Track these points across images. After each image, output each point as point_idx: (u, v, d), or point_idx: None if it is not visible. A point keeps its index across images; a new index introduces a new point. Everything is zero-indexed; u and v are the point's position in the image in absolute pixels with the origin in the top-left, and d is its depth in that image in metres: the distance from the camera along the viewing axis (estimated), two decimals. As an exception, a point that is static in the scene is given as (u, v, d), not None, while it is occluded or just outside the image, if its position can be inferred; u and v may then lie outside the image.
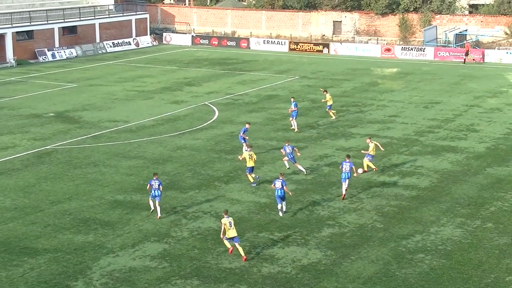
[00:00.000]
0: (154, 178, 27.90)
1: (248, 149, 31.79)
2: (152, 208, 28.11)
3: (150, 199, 28.08)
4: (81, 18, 74.49)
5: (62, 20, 72.31)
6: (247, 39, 79.64)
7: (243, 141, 35.27)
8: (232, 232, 24.14)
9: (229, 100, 50.54)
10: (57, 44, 71.63)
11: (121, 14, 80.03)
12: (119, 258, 24.31)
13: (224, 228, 24.24)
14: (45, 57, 69.53)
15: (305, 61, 69.02)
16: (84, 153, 36.62)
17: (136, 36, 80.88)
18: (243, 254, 24.14)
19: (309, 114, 45.90)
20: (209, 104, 49.13)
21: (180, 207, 29.10)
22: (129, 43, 79.24)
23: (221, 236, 24.60)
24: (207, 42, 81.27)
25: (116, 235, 26.21)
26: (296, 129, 41.11)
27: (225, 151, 37.25)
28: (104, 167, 34.50)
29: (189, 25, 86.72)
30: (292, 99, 41.99)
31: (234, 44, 79.88)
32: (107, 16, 78.32)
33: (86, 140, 39.52)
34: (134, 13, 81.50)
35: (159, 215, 27.71)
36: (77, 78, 59.87)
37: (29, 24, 68.77)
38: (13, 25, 66.99)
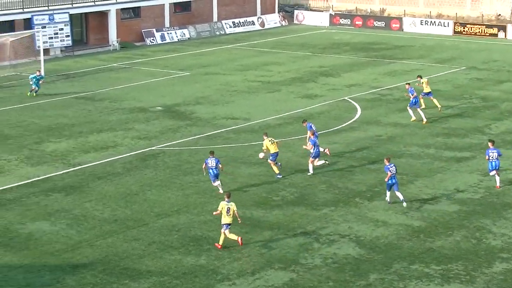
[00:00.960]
0: (210, 156, 31.86)
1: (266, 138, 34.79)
2: (221, 191, 31.79)
3: (212, 182, 32.06)
4: (197, -8, 76.20)
5: (175, -5, 74.25)
6: (400, 19, 78.84)
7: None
8: (227, 219, 27.06)
9: (375, 95, 50.21)
10: (167, 24, 73.58)
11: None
12: (236, 287, 24.61)
13: (221, 212, 27.06)
14: (153, 39, 71.58)
15: (474, 47, 67.55)
16: (196, 157, 37.35)
17: (261, 14, 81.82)
18: (221, 242, 27.03)
19: (478, 115, 44.91)
20: (349, 100, 48.99)
21: (312, 227, 29.13)
22: (253, 23, 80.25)
23: (214, 213, 27.90)
24: (348, 22, 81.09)
25: (232, 258, 26.55)
26: (424, 120, 42.87)
27: (368, 160, 37.00)
28: (220, 174, 34.94)
29: (327, 1, 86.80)
30: (407, 86, 43.72)
31: (383, 25, 79.28)
32: (227, -11, 79.70)
33: (199, 140, 40.31)
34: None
35: (220, 190, 31.75)
36: (189, 65, 61.26)
37: (136, -1, 71.11)
38: (118, 0, 69.34)
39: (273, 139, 34.85)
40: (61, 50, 65.25)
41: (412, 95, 43.20)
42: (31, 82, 49.36)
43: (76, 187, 33.36)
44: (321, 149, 35.63)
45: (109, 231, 28.77)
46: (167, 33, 72.97)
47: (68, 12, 64.50)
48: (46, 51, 62.00)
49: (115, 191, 32.92)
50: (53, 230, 28.75)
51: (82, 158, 37.38)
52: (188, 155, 37.55)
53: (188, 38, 73.95)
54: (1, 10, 61.13)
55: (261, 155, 35.07)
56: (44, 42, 60.71)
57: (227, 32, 77.39)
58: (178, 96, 50.32)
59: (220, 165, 32.17)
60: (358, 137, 40.82)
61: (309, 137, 35.51)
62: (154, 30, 72.15)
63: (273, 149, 34.50)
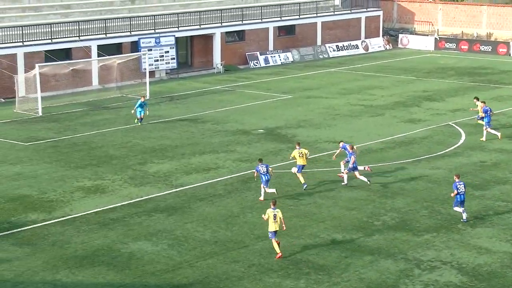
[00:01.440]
0: (260, 163, 33.82)
1: (298, 147, 36.14)
2: (262, 197, 33.86)
3: (262, 185, 33.80)
4: (301, 16, 76.50)
5: (279, 18, 74.70)
6: (507, 44, 77.43)
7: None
8: (273, 227, 28.09)
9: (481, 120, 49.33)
10: (271, 47, 74.10)
11: (349, 11, 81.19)
12: (335, 311, 24.50)
13: (268, 219, 28.07)
14: (257, 62, 72.17)
15: None
16: (297, 180, 37.37)
17: (365, 38, 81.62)
18: (278, 251, 28.06)
19: None
20: (453, 125, 48.31)
21: (412, 253, 28.78)
22: (357, 47, 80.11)
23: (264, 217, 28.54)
24: (454, 46, 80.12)
25: (332, 282, 26.43)
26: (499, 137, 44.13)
27: (472, 186, 36.35)
28: (320, 198, 35.00)
29: (432, 25, 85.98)
30: (482, 104, 44.94)
31: (490, 50, 78.02)
32: (332, 13, 79.79)
33: (301, 163, 40.35)
34: (365, 10, 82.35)
35: (262, 197, 33.42)
36: (292, 88, 61.48)
37: (240, 23, 71.80)
38: (223, 24, 70.26)
39: (302, 152, 35.92)
40: (166, 73, 66.42)
41: (486, 113, 44.09)
42: (134, 111, 48.74)
43: (178, 208, 33.82)
44: (361, 167, 36.75)
45: (209, 252, 29.03)
46: (271, 56, 73.47)
47: (174, 35, 65.66)
48: (152, 74, 63.27)
49: (216, 212, 33.22)
50: (155, 250, 29.18)
51: (184, 179, 37.88)
52: (289, 178, 37.60)
53: (292, 61, 74.28)
54: (110, 33, 62.68)
55: (294, 169, 36.28)
56: (150, 65, 61.97)
57: (331, 56, 77.42)
58: (280, 119, 50.54)
59: (270, 168, 34.21)
60: (462, 163, 40.18)
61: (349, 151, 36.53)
62: (258, 53, 72.74)
63: (300, 161, 35.87)
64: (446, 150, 42.68)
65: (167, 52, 64.96)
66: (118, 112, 52.45)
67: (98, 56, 60.68)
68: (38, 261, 28.10)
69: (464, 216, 31.74)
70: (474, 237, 30.22)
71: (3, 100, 56.22)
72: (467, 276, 26.73)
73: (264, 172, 33.83)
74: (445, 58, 75.58)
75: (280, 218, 28.43)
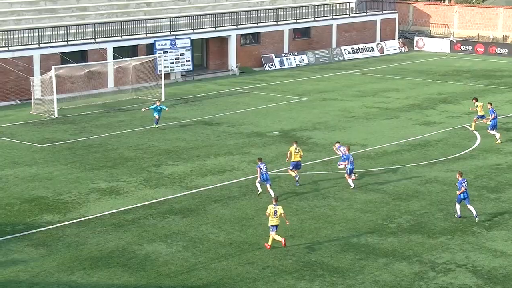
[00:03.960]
0: (260, 162, 34.86)
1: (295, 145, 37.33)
2: (260, 190, 35.01)
3: (258, 182, 35.01)
4: (316, 18, 76.51)
5: (294, 21, 74.73)
6: (523, 46, 77.18)
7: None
8: (274, 221, 29.16)
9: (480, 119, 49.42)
10: (286, 50, 74.14)
11: (364, 14, 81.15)
12: (349, 314, 24.49)
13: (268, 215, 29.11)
14: (272, 65, 72.21)
15: None
16: (312, 182, 37.40)
17: (380, 41, 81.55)
18: (270, 243, 29.16)
19: None
20: (469, 128, 48.19)
21: (427, 255, 28.73)
22: (372, 49, 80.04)
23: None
24: (470, 49, 79.93)
25: (346, 285, 26.42)
26: (498, 141, 44.21)
27: (487, 188, 36.27)
28: (335, 200, 35.00)
29: (448, 27, 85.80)
30: (489, 106, 45.38)
31: (506, 52, 77.85)
32: (347, 16, 79.78)
33: (315, 165, 40.37)
34: (380, 12, 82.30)
35: (272, 195, 33.13)
36: (307, 90, 61.49)
37: (256, 25, 71.86)
38: (238, 26, 70.35)
39: (298, 149, 37.12)
40: (181, 75, 66.57)
41: (492, 116, 44.59)
42: (145, 109, 49.45)
43: (193, 209, 33.89)
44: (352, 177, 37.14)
45: (224, 254, 29.07)
46: (286, 58, 73.49)
47: (189, 38, 65.81)
48: (167, 76, 63.44)
49: (230, 214, 33.27)
50: (169, 252, 29.25)
51: (199, 181, 37.95)
52: (302, 181, 37.61)
53: (307, 63, 74.30)
54: (125, 36, 62.88)
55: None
56: (165, 67, 62.16)
57: (346, 58, 77.38)
58: (295, 121, 50.56)
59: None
60: (477, 166, 40.07)
61: (344, 153, 37.14)
62: (273, 55, 72.79)
63: (296, 157, 36.90)
64: (462, 153, 42.57)
65: (183, 54, 65.10)
66: (134, 114, 52.59)
67: (113, 58, 60.92)
68: (53, 262, 28.22)
69: (474, 212, 32.18)
70: (489, 240, 30.14)
71: (19, 102, 56.50)
72: (482, 279, 26.67)
73: (264, 171, 34.98)
74: (460, 61, 75.41)
75: (281, 214, 29.32)
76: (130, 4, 68.61)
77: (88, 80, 59.16)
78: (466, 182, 32.28)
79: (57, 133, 47.43)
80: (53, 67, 53.48)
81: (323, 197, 35.34)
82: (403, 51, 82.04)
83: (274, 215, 29.23)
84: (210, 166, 40.35)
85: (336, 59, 76.83)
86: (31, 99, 54.55)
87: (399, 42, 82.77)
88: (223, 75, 68.63)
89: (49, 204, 34.50)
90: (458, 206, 32.49)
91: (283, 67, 72.70)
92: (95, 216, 33.05)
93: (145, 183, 37.55)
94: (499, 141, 44.40)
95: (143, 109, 49.89)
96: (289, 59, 73.73)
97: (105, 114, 53.00)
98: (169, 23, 65.89)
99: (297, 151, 37.14)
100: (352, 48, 78.55)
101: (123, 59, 59.87)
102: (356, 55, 78.43)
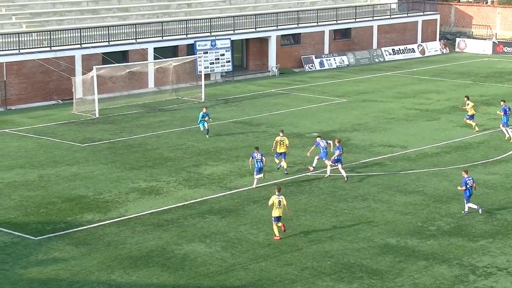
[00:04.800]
0: (256, 151, 36.20)
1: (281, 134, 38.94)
2: (255, 184, 36.44)
3: (255, 174, 36.11)
4: (357, 19, 76.24)
5: (335, 22, 74.54)
6: None
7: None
8: (277, 212, 30.03)
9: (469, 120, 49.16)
10: (326, 50, 73.96)
11: (405, 15, 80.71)
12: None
13: (272, 205, 30.07)
14: (312, 66, 72.08)
15: None
16: (351, 184, 37.27)
17: (421, 42, 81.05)
18: (277, 234, 30.08)
19: None
20: (474, 131, 47.87)
21: (468, 259, 28.48)
22: (413, 50, 79.58)
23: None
24: (512, 51, 79.16)
25: (385, 287, 26.29)
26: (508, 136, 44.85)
27: (529, 191, 35.91)
28: (375, 202, 34.84)
29: (490, 28, 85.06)
30: (502, 103, 46.08)
31: (548, 54, 76.97)
32: (388, 17, 79.40)
33: (355, 167, 40.22)
34: (422, 14, 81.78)
35: (254, 186, 35.95)
36: (347, 91, 61.29)
37: (296, 26, 71.78)
38: (278, 27, 70.33)
39: (283, 140, 38.33)
40: (221, 75, 66.70)
41: (505, 113, 45.39)
42: (201, 125, 46.71)
43: (232, 210, 33.93)
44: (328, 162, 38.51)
45: (262, 255, 29.07)
46: (326, 59, 73.32)
47: (230, 38, 65.91)
48: (207, 76, 63.58)
49: (269, 215, 33.12)
50: (208, 252, 29.31)
51: (238, 181, 37.99)
52: (343, 182, 37.50)
53: (347, 64, 74.06)
54: (166, 36, 63.16)
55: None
56: (205, 67, 62.31)
57: (386, 59, 77.01)
58: (335, 122, 50.42)
59: (264, 158, 36.50)
60: (519, 168, 39.73)
61: (335, 145, 38.41)
62: (313, 56, 72.65)
63: (280, 148, 38.27)
64: (503, 155, 42.18)
65: (223, 55, 65.22)
66: (174, 114, 52.80)
67: (154, 59, 61.21)
68: (93, 261, 28.42)
69: (467, 208, 33.11)
70: (531, 244, 29.86)
71: (61, 102, 57.01)
72: (523, 283, 26.42)
73: (258, 159, 36.20)
74: (503, 62, 74.68)
75: (284, 204, 30.35)
76: (171, 4, 68.90)
77: (128, 80, 59.53)
78: (471, 180, 33.04)
79: (97, 133, 47.78)
80: (94, 67, 53.88)
81: (363, 199, 35.19)
82: (444, 52, 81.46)
83: (278, 205, 30.20)
84: (249, 167, 40.34)
85: (377, 60, 76.49)
86: (72, 98, 55.00)
87: (440, 44, 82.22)
88: (263, 76, 68.64)
89: (90, 203, 34.76)
90: (472, 205, 33.11)
91: (323, 68, 72.53)
92: (134, 215, 33.23)
93: (185, 183, 37.67)
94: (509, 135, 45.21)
95: (201, 127, 46.86)
96: (329, 60, 73.55)
97: (145, 114, 53.28)
98: (209, 23, 66.05)
99: (281, 142, 38.47)
100: (392, 49, 78.16)
101: (164, 59, 60.13)
102: (397, 56, 78.01)
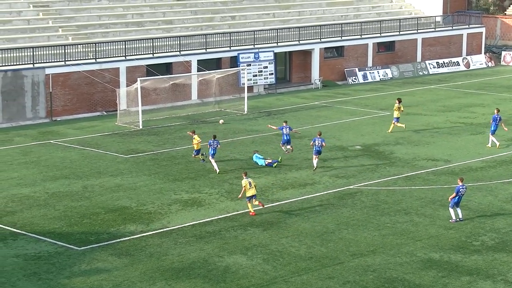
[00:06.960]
0: (213, 139, 41.35)
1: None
2: (217, 170, 40.88)
3: (210, 158, 41.17)
4: (401, 32, 75.96)
5: (378, 34, 74.35)
6: None
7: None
8: (251, 192, 34.02)
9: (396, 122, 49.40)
10: (370, 63, 73.77)
11: (450, 28, 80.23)
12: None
13: (244, 189, 33.73)
14: (355, 79, 71.92)
15: None
16: (394, 197, 37.10)
17: (466, 55, 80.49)
18: (252, 209, 34.15)
19: None
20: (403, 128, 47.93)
21: (512, 275, 28.23)
22: (457, 64, 79.05)
23: (239, 196, 34.82)
24: (558, 64, 78.27)
25: (427, 302, 26.13)
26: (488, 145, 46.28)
27: None
28: (418, 216, 34.64)
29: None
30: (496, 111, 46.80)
31: None
32: (433, 29, 78.99)
33: (397, 181, 40.03)
34: (467, 27, 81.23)
35: (216, 169, 40.79)
36: (391, 104, 60.82)
37: (339, 38, 71.72)
38: (322, 39, 70.32)
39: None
40: (264, 88, 66.80)
41: (494, 121, 46.44)
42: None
43: (274, 222, 33.94)
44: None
45: (304, 268, 29.04)
46: (370, 72, 73.13)
47: (273, 51, 66.04)
48: (250, 89, 63.74)
49: (311, 228, 33.22)
50: (250, 264, 29.35)
51: (280, 194, 38.01)
52: (385, 196, 37.36)
53: (391, 77, 73.78)
54: (210, 48, 63.47)
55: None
56: (248, 80, 62.48)
57: (431, 72, 76.57)
58: (378, 135, 50.23)
59: (219, 146, 41.81)
60: None
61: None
62: (357, 69, 72.49)
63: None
64: (549, 170, 41.73)
65: (266, 67, 65.36)
66: (216, 126, 52.98)
67: (198, 71, 61.52)
68: (135, 272, 28.61)
69: (457, 215, 33.74)
70: None
71: (105, 113, 57.53)
72: None
73: (213, 146, 41.52)
74: (549, 76, 73.94)
75: (254, 185, 34.33)
76: (215, 17, 69.25)
77: (172, 92, 59.87)
78: (465, 189, 33.77)
79: (141, 144, 48.11)
80: (138, 79, 54.30)
81: (405, 213, 35.00)
82: (489, 66, 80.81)
83: (250, 186, 34.09)
84: (291, 179, 40.38)
85: (421, 73, 76.10)
86: (116, 110, 55.46)
87: (485, 57, 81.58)
88: (305, 89, 68.62)
89: (133, 214, 35.01)
90: (451, 210, 33.67)
91: (366, 81, 72.33)
92: (177, 227, 33.40)
93: (227, 195, 37.77)
94: (489, 145, 46.57)
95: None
96: (373, 73, 73.33)
97: (189, 126, 53.51)
98: (253, 36, 66.24)
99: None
100: (437, 62, 77.71)
101: (207, 71, 60.42)
102: (441, 70, 77.54)
